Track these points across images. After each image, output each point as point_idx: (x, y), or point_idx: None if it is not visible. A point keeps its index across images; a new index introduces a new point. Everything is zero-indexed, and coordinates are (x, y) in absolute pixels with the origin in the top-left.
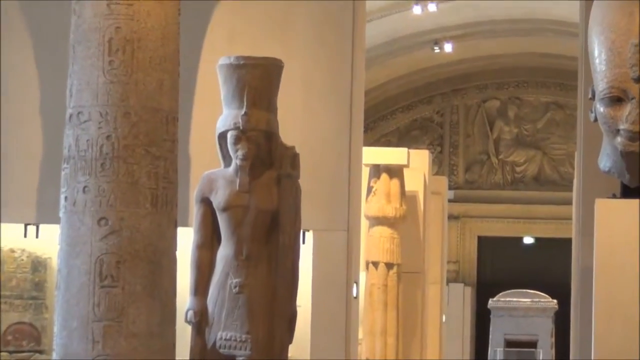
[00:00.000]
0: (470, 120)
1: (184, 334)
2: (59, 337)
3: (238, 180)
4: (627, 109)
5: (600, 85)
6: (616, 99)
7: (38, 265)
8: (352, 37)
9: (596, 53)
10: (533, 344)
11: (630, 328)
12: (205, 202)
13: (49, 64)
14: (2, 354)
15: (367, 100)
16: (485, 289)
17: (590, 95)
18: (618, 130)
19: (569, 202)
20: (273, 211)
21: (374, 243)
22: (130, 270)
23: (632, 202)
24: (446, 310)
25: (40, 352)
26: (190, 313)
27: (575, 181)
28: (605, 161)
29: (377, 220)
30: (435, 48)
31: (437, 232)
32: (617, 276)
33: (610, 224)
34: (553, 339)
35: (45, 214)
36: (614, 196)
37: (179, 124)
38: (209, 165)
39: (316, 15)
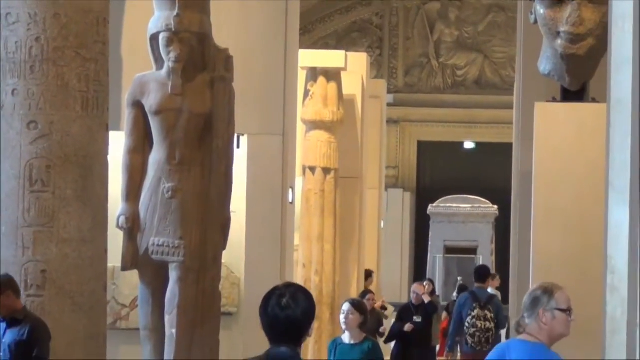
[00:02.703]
0: (410, 23)
1: (115, 240)
2: None
3: (170, 83)
4: (568, 10)
5: None
6: (557, 0)
7: None
8: None
9: None
10: (473, 251)
11: (568, 232)
12: (137, 106)
13: None
14: None
15: (303, 1)
16: (424, 194)
17: None
18: (558, 33)
19: (510, 106)
20: (206, 115)
21: (310, 148)
22: (60, 174)
23: (572, 106)
24: (385, 216)
25: None
26: (122, 219)
27: (516, 85)
28: (545, 64)
29: (314, 125)
30: None
31: (376, 136)
32: (556, 180)
33: (550, 128)
34: (493, 246)
35: None
36: (554, 100)
37: (110, 25)
38: (141, 68)
39: None
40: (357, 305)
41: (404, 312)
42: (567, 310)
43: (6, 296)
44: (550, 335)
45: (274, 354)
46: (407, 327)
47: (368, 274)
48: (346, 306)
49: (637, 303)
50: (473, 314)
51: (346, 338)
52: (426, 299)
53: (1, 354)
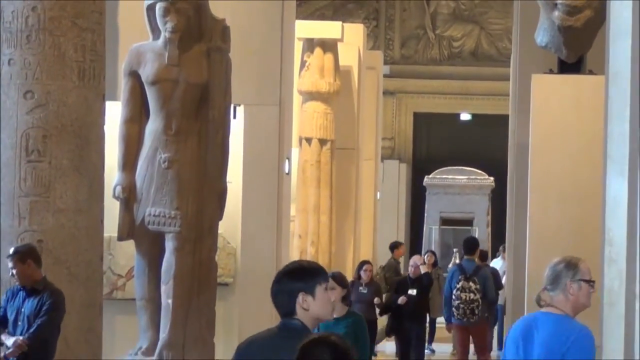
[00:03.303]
0: None
1: (112, 210)
2: None
3: (167, 53)
4: None
5: None
6: None
7: None
8: None
9: None
10: (469, 222)
11: (565, 204)
12: (134, 76)
13: None
14: None
15: None
16: (420, 165)
17: None
18: (556, 4)
19: (506, 78)
20: (203, 85)
21: (307, 119)
22: (57, 144)
23: (569, 78)
24: (381, 187)
25: None
26: (119, 189)
27: (512, 56)
28: (542, 36)
29: (311, 96)
30: None
31: (372, 107)
32: (553, 152)
33: (546, 100)
34: (489, 217)
35: None
36: (551, 72)
37: None
38: (138, 38)
39: None
40: (338, 279)
41: (400, 285)
42: (591, 282)
43: (27, 265)
44: (574, 306)
45: (285, 325)
46: (401, 300)
47: (394, 246)
48: None
49: (636, 275)
50: (458, 286)
51: None
52: (423, 269)
53: (20, 323)
